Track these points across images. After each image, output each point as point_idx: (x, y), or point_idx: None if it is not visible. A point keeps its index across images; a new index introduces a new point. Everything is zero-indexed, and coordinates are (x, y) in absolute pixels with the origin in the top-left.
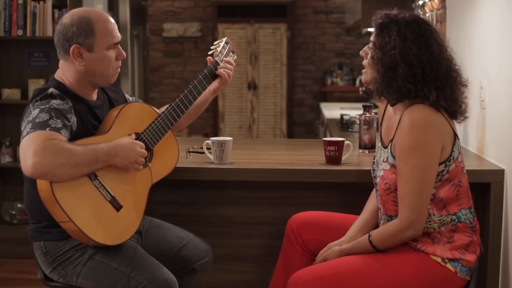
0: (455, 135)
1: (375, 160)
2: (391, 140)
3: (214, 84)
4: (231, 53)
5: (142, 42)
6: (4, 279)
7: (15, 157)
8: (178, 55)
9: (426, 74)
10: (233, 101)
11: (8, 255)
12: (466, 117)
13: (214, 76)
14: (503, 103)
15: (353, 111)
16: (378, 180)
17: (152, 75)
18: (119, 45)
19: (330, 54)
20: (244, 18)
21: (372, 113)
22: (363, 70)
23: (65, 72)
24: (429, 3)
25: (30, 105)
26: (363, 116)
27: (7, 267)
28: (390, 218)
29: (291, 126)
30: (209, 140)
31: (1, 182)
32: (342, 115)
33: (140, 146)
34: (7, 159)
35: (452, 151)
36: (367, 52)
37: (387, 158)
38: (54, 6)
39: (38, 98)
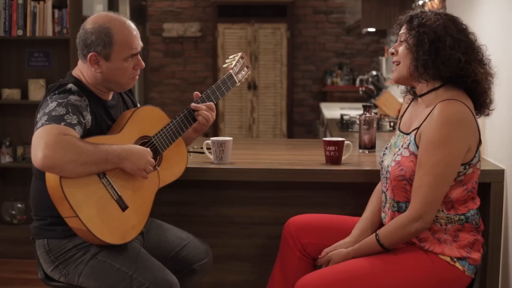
0: (480, 139)
1: (388, 145)
2: (417, 128)
3: (195, 124)
4: (245, 68)
5: (142, 42)
6: (4, 279)
7: (15, 157)
8: (178, 55)
9: (468, 51)
10: (233, 101)
11: (8, 255)
12: (492, 110)
13: (194, 118)
14: (503, 104)
15: (353, 111)
16: (385, 163)
17: (152, 75)
18: (138, 55)
19: (330, 54)
20: (244, 18)
21: (372, 113)
22: (393, 69)
23: (82, 71)
24: (429, 3)
25: (48, 97)
26: (363, 116)
27: (7, 267)
28: (398, 204)
29: (291, 126)
30: (209, 140)
31: (1, 182)
32: (342, 115)
33: (151, 156)
34: (7, 159)
35: (474, 156)
36: (396, 49)
37: (408, 145)
38: (54, 6)
39: (56, 92)
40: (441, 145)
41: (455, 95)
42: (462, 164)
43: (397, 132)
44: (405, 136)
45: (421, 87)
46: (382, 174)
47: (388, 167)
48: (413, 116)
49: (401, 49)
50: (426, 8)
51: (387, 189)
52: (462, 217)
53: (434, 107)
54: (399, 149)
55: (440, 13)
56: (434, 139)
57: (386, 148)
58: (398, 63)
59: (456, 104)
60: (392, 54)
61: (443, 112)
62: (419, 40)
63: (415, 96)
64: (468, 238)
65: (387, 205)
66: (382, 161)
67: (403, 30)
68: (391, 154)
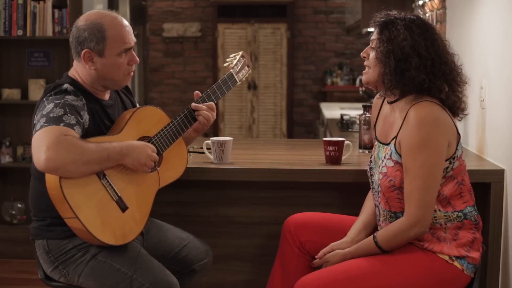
0: (458, 133)
1: (372, 159)
2: (395, 137)
3: (195, 124)
4: (246, 67)
5: (142, 42)
6: (4, 279)
7: (15, 157)
8: (178, 55)
9: (435, 68)
10: (233, 101)
11: (8, 255)
12: (465, 115)
13: (194, 118)
14: (503, 103)
15: (353, 111)
16: (375, 177)
17: (152, 75)
18: (132, 50)
19: (330, 54)
20: (244, 18)
21: None
22: (364, 71)
23: (78, 71)
24: (429, 3)
25: (44, 99)
26: (363, 116)
27: (7, 267)
28: (395, 214)
29: (291, 126)
30: (209, 140)
31: (1, 182)
32: (342, 115)
33: (152, 150)
34: (7, 159)
35: (456, 149)
36: (368, 53)
37: (390, 155)
38: (54, 6)
39: (52, 93)
40: (422, 147)
41: (425, 97)
42: (446, 160)
43: (376, 142)
44: (385, 147)
45: (389, 96)
46: (374, 188)
47: (378, 180)
48: (387, 125)
49: (372, 56)
50: (427, 8)
51: (380, 202)
52: (460, 213)
53: (407, 113)
54: (383, 161)
55: (412, 25)
56: (414, 143)
57: (370, 162)
58: (368, 67)
59: (428, 105)
60: (364, 57)
61: (417, 115)
62: (386, 57)
63: (384, 97)
64: (468, 236)
65: (381, 218)
66: (372, 175)
67: (375, 35)
68: (378, 167)
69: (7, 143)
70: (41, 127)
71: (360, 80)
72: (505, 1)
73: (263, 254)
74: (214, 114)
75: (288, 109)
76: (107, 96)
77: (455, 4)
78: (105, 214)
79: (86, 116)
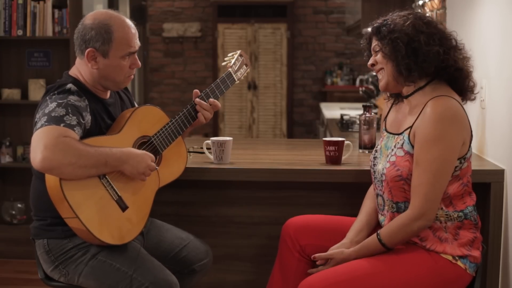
0: (472, 134)
1: (377, 148)
2: (410, 127)
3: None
4: (244, 65)
5: (142, 42)
6: (4, 279)
7: (15, 157)
8: (178, 55)
9: (442, 40)
10: (233, 101)
11: (8, 255)
12: (476, 94)
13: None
14: (503, 103)
15: (353, 111)
16: (379, 167)
17: (152, 75)
18: (135, 54)
19: (330, 54)
20: (244, 18)
21: (372, 113)
22: (380, 78)
23: (80, 70)
24: (429, 3)
25: (47, 97)
26: (363, 116)
27: (7, 267)
28: (397, 204)
29: (291, 126)
30: (209, 140)
31: (1, 182)
32: (342, 115)
33: (151, 159)
34: (7, 159)
35: (468, 149)
36: (374, 59)
37: (402, 145)
38: (54, 6)
39: (56, 92)
40: (437, 141)
41: (443, 91)
42: (458, 159)
43: (385, 133)
44: (396, 136)
45: (407, 89)
46: (376, 178)
47: (383, 169)
48: (400, 116)
49: (379, 58)
50: (427, 8)
51: (384, 192)
52: (461, 213)
53: (425, 105)
54: (392, 150)
55: (405, 14)
56: (429, 136)
57: (376, 151)
58: (380, 69)
59: (447, 100)
60: (373, 65)
61: (436, 109)
62: (394, 46)
63: (396, 97)
64: (468, 235)
65: (386, 207)
66: (374, 164)
67: (374, 42)
68: (384, 157)
69: (7, 143)
70: (41, 126)
71: (360, 80)
72: (505, 2)
73: (263, 254)
74: (213, 112)
75: (288, 109)
76: (107, 95)
77: (455, 4)
78: (105, 214)
79: (88, 117)
